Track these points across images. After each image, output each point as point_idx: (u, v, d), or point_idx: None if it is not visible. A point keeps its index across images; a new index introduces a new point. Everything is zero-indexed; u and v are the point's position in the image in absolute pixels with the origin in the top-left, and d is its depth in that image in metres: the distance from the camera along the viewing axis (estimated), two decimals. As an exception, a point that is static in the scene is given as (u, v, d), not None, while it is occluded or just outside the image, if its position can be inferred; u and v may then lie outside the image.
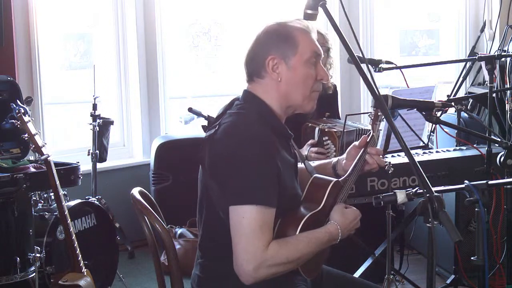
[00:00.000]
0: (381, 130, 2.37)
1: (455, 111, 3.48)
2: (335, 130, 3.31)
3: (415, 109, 2.55)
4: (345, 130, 3.28)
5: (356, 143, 2.35)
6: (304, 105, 2.18)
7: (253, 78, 2.16)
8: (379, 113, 2.37)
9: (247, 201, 1.96)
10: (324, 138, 3.35)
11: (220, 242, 2.10)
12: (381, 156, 2.32)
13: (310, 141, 3.38)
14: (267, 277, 1.99)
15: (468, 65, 5.13)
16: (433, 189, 1.85)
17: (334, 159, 2.43)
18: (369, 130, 2.95)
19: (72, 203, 3.65)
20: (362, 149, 2.30)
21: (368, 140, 2.31)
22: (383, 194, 2.18)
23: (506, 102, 4.25)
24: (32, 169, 3.47)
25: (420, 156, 3.32)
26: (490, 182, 2.19)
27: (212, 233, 2.15)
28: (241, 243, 1.96)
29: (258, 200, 1.96)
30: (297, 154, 2.28)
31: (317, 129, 3.38)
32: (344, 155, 2.38)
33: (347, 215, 2.17)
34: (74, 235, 3.18)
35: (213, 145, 2.07)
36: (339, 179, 2.23)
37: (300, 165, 2.32)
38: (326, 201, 2.16)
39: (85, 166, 4.10)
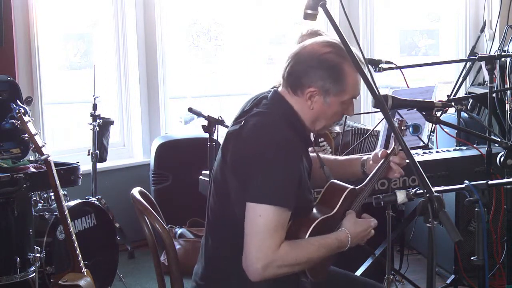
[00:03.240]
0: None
1: (455, 111, 3.48)
2: (330, 131, 3.32)
3: (415, 109, 2.54)
4: (341, 131, 3.29)
5: (381, 150, 2.36)
6: (320, 131, 2.23)
7: (287, 87, 2.14)
8: (403, 127, 2.37)
9: (266, 201, 1.97)
10: (319, 139, 3.35)
11: (229, 241, 2.12)
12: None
13: None
14: (274, 277, 2.01)
15: (468, 65, 5.12)
16: (433, 189, 1.85)
17: (364, 157, 2.43)
18: (368, 129, 2.93)
19: (72, 203, 3.65)
20: (382, 160, 2.32)
21: (389, 152, 2.33)
22: (383, 194, 2.19)
23: (506, 102, 4.24)
24: (32, 169, 3.47)
25: (420, 156, 3.31)
26: (490, 182, 2.19)
27: (222, 231, 2.16)
28: (254, 240, 1.98)
29: (278, 202, 1.98)
30: (311, 159, 2.28)
31: None
32: (371, 156, 2.39)
33: (359, 224, 2.18)
34: (74, 235, 3.18)
35: (239, 142, 2.08)
36: (356, 187, 2.24)
37: (313, 154, 2.33)
38: (340, 207, 2.17)
39: (85, 166, 4.10)
